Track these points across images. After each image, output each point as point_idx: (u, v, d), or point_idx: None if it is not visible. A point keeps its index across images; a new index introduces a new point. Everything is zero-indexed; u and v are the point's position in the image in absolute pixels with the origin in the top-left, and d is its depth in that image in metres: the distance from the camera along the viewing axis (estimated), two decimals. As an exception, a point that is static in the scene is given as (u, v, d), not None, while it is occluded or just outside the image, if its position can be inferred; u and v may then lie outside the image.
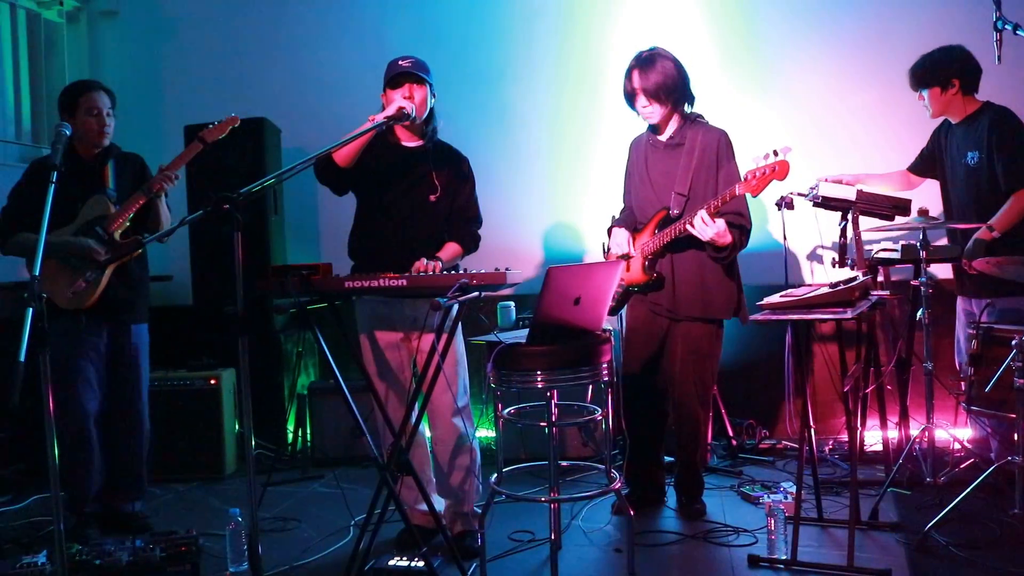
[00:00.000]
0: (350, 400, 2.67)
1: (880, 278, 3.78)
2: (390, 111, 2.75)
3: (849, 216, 3.33)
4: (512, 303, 4.26)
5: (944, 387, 3.65)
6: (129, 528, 3.24)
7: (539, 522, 3.16)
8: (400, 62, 2.86)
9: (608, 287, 2.60)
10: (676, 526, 3.18)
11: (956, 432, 3.50)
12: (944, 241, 3.79)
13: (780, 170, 2.83)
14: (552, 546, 2.63)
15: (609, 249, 3.36)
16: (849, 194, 3.35)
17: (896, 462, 3.35)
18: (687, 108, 3.20)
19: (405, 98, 2.82)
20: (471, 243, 3.04)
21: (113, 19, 5.18)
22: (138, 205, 3.15)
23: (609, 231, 3.36)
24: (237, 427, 4.25)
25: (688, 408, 3.22)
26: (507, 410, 2.72)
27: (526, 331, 2.54)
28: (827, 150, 4.25)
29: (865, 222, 3.40)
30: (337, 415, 4.24)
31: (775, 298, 2.67)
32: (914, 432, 3.39)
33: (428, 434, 3.08)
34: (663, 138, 3.22)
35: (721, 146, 3.14)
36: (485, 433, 4.36)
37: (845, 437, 3.83)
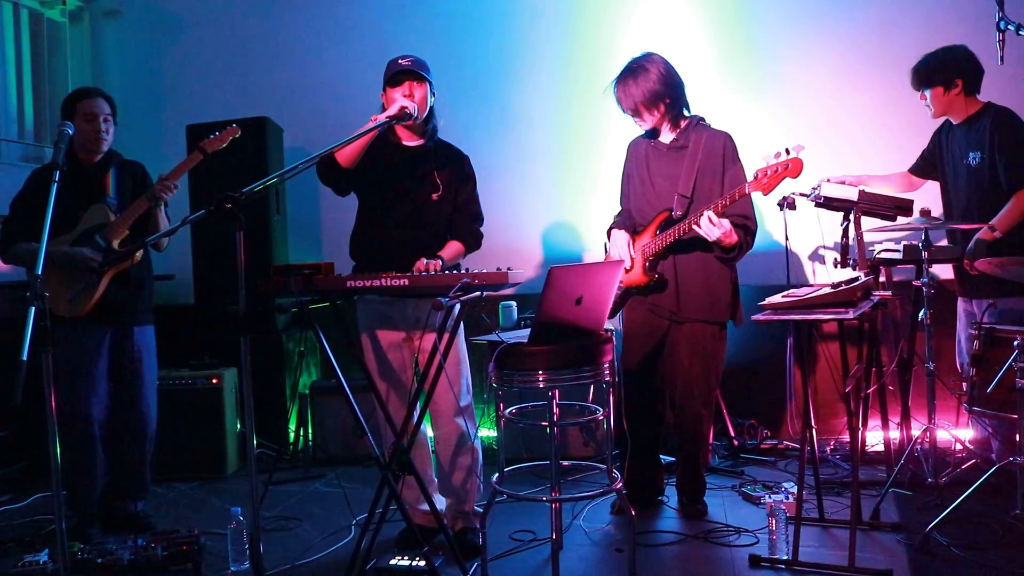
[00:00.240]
0: (352, 399, 2.67)
1: (882, 278, 3.78)
2: (392, 111, 2.76)
3: (851, 216, 3.33)
4: (514, 303, 4.27)
5: (946, 387, 3.65)
6: (131, 527, 3.24)
7: (540, 522, 3.16)
8: (400, 60, 2.87)
9: (610, 287, 2.60)
10: (677, 526, 3.18)
11: (958, 433, 3.49)
12: (944, 242, 3.78)
13: (793, 168, 2.83)
14: (553, 546, 2.63)
15: (608, 251, 3.36)
16: (851, 194, 3.35)
17: (898, 463, 3.35)
18: (685, 112, 3.19)
19: (405, 96, 2.82)
20: (473, 242, 3.04)
21: (116, 19, 5.19)
22: (139, 214, 3.13)
23: (608, 233, 3.36)
24: (239, 426, 4.25)
25: (691, 409, 3.21)
26: (509, 410, 2.71)
27: (528, 331, 2.55)
28: (826, 151, 4.24)
29: (867, 222, 3.39)
30: (339, 414, 4.25)
31: (777, 298, 2.67)
32: (916, 433, 3.39)
33: (430, 434, 3.09)
34: (665, 141, 3.21)
35: (727, 149, 3.14)
36: (487, 433, 4.36)
37: (846, 437, 3.84)
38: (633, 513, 2.66)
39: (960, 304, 3.53)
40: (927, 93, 3.37)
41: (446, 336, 2.63)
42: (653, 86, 3.07)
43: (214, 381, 4.12)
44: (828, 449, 4.03)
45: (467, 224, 3.04)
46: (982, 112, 3.31)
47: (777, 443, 4.20)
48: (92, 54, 5.19)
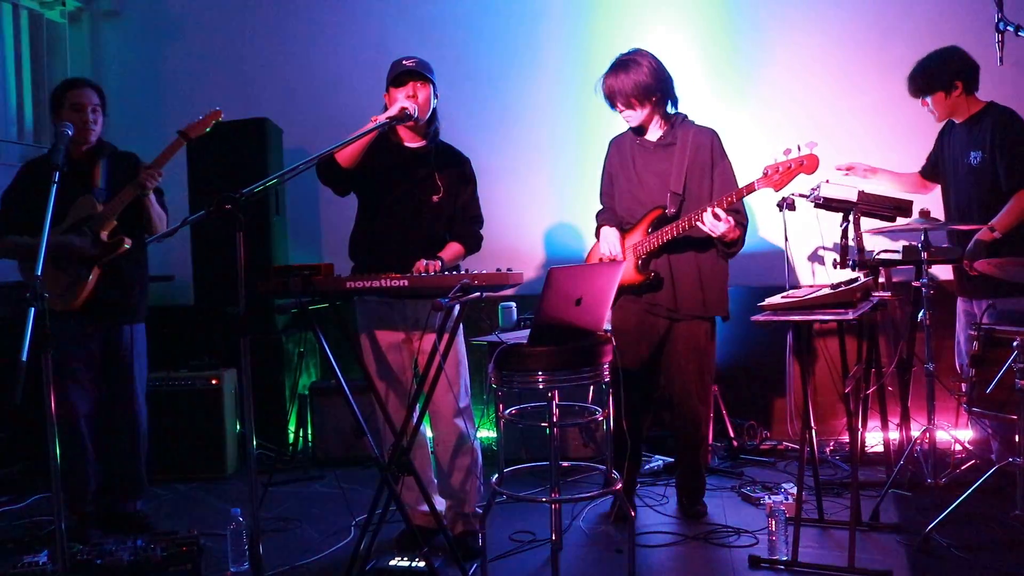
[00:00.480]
0: (351, 400, 2.66)
1: (881, 279, 3.78)
2: (392, 111, 2.76)
3: (850, 217, 3.33)
4: (513, 304, 4.27)
5: (945, 388, 3.65)
6: (130, 528, 3.24)
7: (540, 522, 3.16)
8: (404, 61, 2.87)
9: (610, 288, 2.60)
10: (677, 527, 3.18)
11: (957, 433, 3.50)
12: (944, 243, 3.79)
13: (809, 164, 2.84)
14: (553, 546, 2.63)
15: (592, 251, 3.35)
16: (850, 195, 3.36)
17: (897, 463, 3.35)
18: (671, 108, 3.19)
19: (408, 97, 2.82)
20: (473, 243, 3.04)
21: (115, 20, 5.19)
22: (125, 204, 3.10)
23: (597, 231, 3.33)
24: (238, 427, 4.25)
25: (689, 407, 3.21)
26: (508, 410, 2.72)
27: (527, 332, 2.55)
28: (829, 151, 4.25)
29: (867, 223, 3.40)
30: (338, 415, 4.25)
31: (776, 299, 2.67)
32: (915, 433, 3.40)
33: (429, 434, 3.09)
34: (653, 138, 3.21)
35: (715, 145, 3.15)
36: (486, 434, 4.36)
37: (846, 438, 3.83)
38: (633, 514, 2.66)
39: (959, 304, 3.53)
40: (928, 100, 3.37)
41: (445, 337, 2.63)
42: (645, 79, 3.06)
43: (214, 382, 4.12)
44: (828, 450, 4.03)
45: (467, 226, 3.04)
46: (984, 112, 3.31)
47: (777, 444, 4.20)
48: (92, 55, 5.19)
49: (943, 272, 3.94)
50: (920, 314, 3.36)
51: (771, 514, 2.81)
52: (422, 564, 2.64)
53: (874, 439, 3.92)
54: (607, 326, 2.86)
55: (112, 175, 3.24)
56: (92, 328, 3.20)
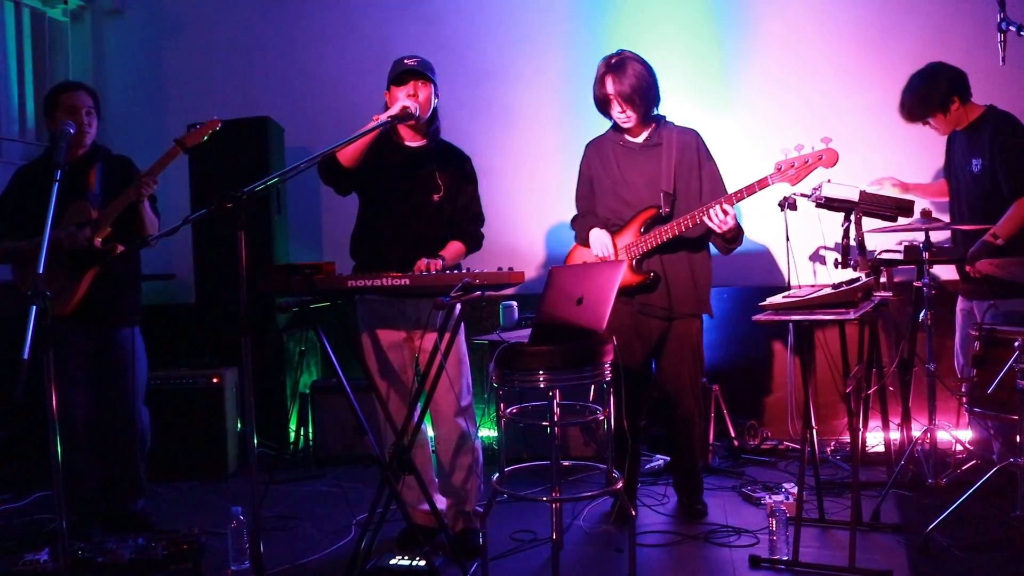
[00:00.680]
0: (352, 399, 2.67)
1: (883, 279, 3.77)
2: (394, 110, 2.76)
3: (852, 217, 3.33)
4: (515, 303, 4.27)
5: (946, 388, 3.65)
6: (131, 526, 3.24)
7: (541, 522, 3.16)
8: (406, 60, 2.87)
9: (611, 287, 2.60)
10: (677, 526, 3.18)
11: (958, 434, 3.49)
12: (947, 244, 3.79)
13: (828, 158, 2.86)
14: (554, 546, 2.63)
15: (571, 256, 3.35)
16: (852, 195, 3.35)
17: (898, 463, 3.35)
18: (654, 110, 3.20)
19: (410, 96, 2.82)
20: (474, 243, 3.04)
21: (117, 18, 5.19)
22: (119, 211, 3.07)
23: (579, 237, 3.31)
24: (239, 426, 4.25)
25: (685, 404, 3.21)
26: (509, 409, 2.72)
27: (529, 331, 2.55)
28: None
29: (868, 223, 3.39)
30: (339, 414, 4.25)
31: (778, 299, 2.67)
32: (916, 433, 3.39)
33: (431, 433, 3.09)
34: (639, 140, 3.20)
35: (700, 145, 3.17)
36: (487, 433, 4.36)
37: (847, 438, 3.84)
38: (633, 514, 2.66)
39: (959, 304, 3.53)
40: (929, 121, 3.37)
41: (447, 336, 2.64)
42: (644, 75, 3.08)
43: (215, 380, 4.12)
44: (828, 450, 4.03)
45: (468, 225, 3.04)
46: (983, 118, 3.30)
47: (777, 444, 4.20)
48: (93, 53, 5.19)
49: (945, 272, 3.94)
50: (921, 314, 3.36)
51: (772, 514, 2.80)
52: (423, 563, 2.65)
53: (875, 439, 3.92)
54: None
55: (106, 179, 3.22)
56: (85, 331, 3.18)
